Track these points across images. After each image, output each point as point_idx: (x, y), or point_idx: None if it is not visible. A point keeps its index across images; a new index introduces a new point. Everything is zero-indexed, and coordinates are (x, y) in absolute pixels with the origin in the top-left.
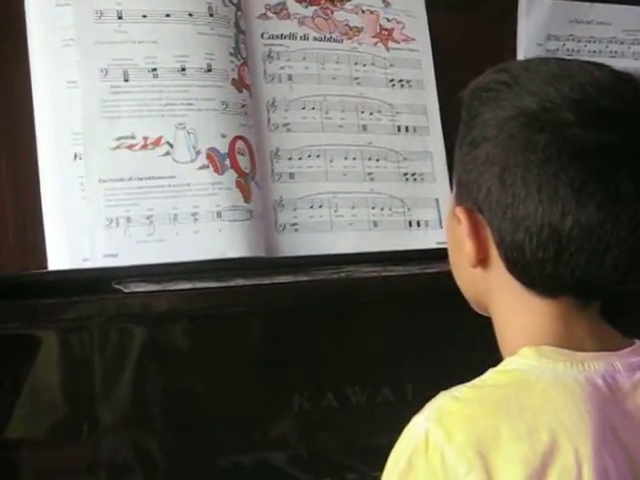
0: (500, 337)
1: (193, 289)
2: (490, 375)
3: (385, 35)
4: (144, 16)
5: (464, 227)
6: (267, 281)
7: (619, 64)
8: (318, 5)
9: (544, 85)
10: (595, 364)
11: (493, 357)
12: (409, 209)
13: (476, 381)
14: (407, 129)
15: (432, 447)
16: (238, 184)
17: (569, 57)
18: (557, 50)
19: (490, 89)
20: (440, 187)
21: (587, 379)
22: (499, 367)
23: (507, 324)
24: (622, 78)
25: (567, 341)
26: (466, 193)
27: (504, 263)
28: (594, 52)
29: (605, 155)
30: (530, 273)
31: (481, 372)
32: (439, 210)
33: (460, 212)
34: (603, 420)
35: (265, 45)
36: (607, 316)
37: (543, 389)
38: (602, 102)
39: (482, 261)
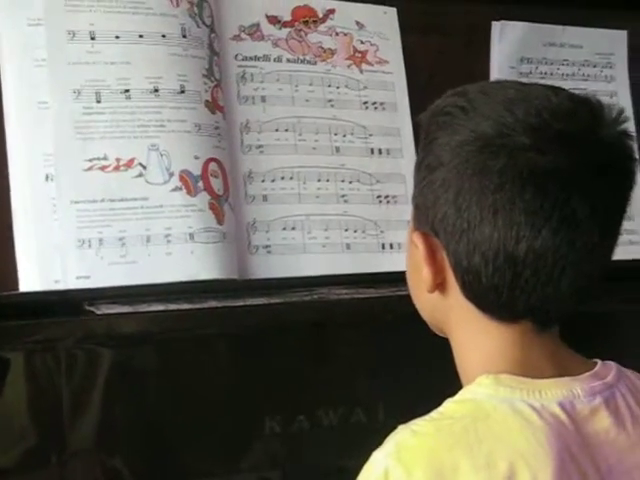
0: (458, 363)
1: (165, 311)
2: (447, 406)
3: (359, 57)
4: (117, 37)
5: (420, 251)
6: (240, 303)
7: (592, 87)
8: (292, 27)
9: (500, 109)
10: (553, 391)
11: None
12: (382, 231)
13: (434, 413)
14: (380, 151)
15: None
16: (211, 206)
17: (542, 80)
18: (530, 73)
19: (447, 113)
20: None
21: (544, 407)
22: (457, 397)
23: (465, 350)
24: (579, 102)
25: (525, 367)
26: (423, 218)
27: (460, 288)
28: (567, 75)
29: (561, 179)
30: (486, 298)
31: (453, 393)
32: None
33: (417, 237)
34: (561, 448)
35: (239, 67)
36: (567, 339)
37: (501, 419)
38: (558, 126)
39: (439, 286)
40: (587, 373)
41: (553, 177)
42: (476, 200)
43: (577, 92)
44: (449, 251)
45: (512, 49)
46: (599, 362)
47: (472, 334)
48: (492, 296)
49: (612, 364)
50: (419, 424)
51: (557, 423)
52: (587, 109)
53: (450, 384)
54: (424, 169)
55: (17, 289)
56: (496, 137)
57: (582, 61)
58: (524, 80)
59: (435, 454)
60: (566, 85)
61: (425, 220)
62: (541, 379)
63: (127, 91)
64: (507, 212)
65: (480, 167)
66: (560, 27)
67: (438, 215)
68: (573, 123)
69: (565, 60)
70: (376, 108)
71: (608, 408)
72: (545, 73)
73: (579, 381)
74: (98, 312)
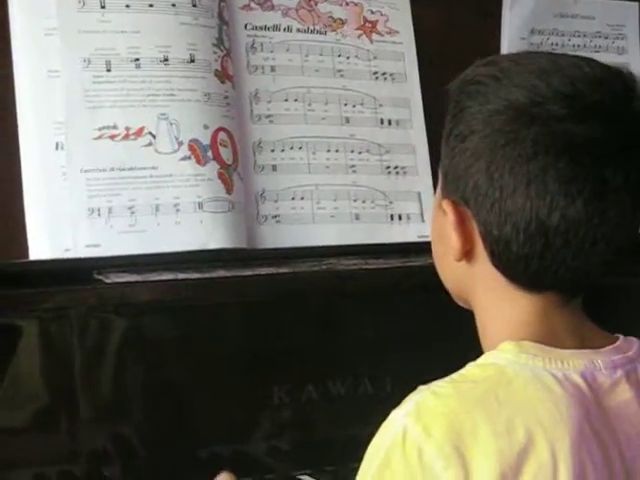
0: (481, 330)
1: (174, 280)
2: (469, 369)
3: (369, 27)
4: (127, 6)
5: (450, 220)
6: (248, 273)
7: (603, 59)
8: None
9: (533, 79)
10: (574, 362)
11: (474, 350)
12: (391, 202)
13: (455, 376)
14: (390, 122)
15: (410, 443)
16: (220, 175)
17: (553, 51)
18: (541, 44)
19: (478, 82)
20: (422, 180)
21: (565, 376)
22: (479, 361)
23: (489, 317)
24: (612, 73)
25: (547, 337)
26: (453, 186)
27: (489, 257)
28: (578, 46)
29: (595, 150)
30: (515, 267)
31: (462, 365)
32: (421, 203)
33: (446, 205)
34: (581, 418)
35: (248, 36)
36: (589, 312)
37: (521, 386)
38: (592, 97)
39: (467, 254)
40: (609, 347)
41: (588, 147)
42: (509, 169)
43: None
44: (479, 220)
45: (523, 20)
46: (621, 337)
47: (497, 302)
48: (521, 266)
49: (634, 339)
50: (440, 385)
51: (578, 393)
52: (620, 80)
53: (460, 355)
54: (454, 138)
55: (27, 257)
56: (529, 106)
57: (594, 32)
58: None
59: (455, 416)
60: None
61: (455, 189)
62: (563, 349)
63: (137, 60)
64: (540, 181)
65: (513, 136)
66: None
67: (469, 184)
68: (607, 94)
69: (576, 31)
70: (386, 79)
71: (629, 381)
72: (556, 44)
73: (600, 354)
74: (107, 281)
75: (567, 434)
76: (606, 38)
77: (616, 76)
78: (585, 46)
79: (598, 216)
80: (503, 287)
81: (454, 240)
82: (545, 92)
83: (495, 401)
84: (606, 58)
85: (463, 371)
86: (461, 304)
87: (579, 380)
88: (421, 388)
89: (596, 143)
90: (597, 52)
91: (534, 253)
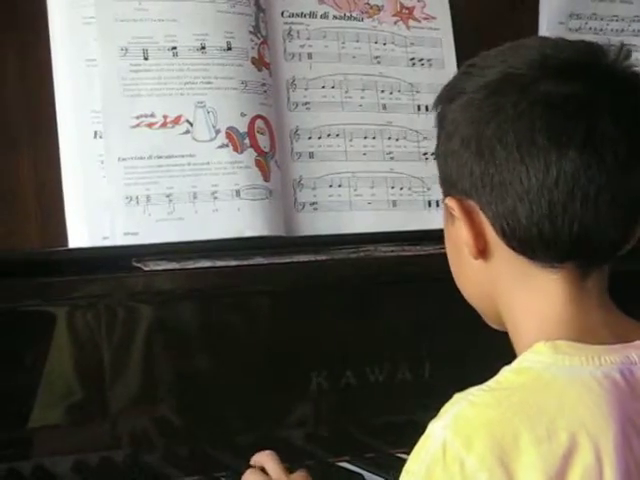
0: (513, 333)
1: (212, 267)
2: (505, 375)
3: (406, 14)
4: None
5: (458, 215)
6: (286, 260)
7: None
8: None
9: (504, 57)
10: (611, 357)
11: (509, 340)
12: (428, 189)
13: (491, 383)
14: (427, 108)
15: (450, 456)
16: (257, 163)
17: (593, 35)
18: (579, 28)
19: (453, 86)
20: None
21: (604, 374)
22: (514, 365)
23: (518, 316)
24: (575, 40)
25: (582, 332)
26: (452, 186)
27: (501, 238)
28: (617, 30)
29: (577, 101)
30: (530, 238)
31: (497, 354)
32: None
33: (451, 202)
34: (622, 415)
35: (285, 23)
36: (617, 300)
37: (560, 388)
38: (562, 55)
39: (482, 253)
40: None
41: (569, 101)
42: (497, 140)
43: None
44: (483, 205)
45: (561, 4)
46: None
47: (522, 295)
48: (535, 234)
49: None
50: (476, 394)
51: (618, 390)
52: (584, 43)
53: (496, 343)
54: (443, 142)
55: (66, 245)
56: (503, 80)
57: (632, 17)
58: (574, 35)
59: (495, 426)
60: (616, 41)
61: (453, 187)
62: (597, 345)
63: (174, 48)
64: (529, 141)
65: (493, 109)
66: None
67: (465, 173)
68: (575, 52)
69: (615, 16)
70: (423, 65)
71: None
72: (595, 29)
73: (634, 347)
74: (146, 268)
75: (610, 433)
76: None
77: (579, 41)
78: (624, 30)
79: (596, 164)
80: (524, 272)
81: (465, 235)
82: (517, 64)
83: (534, 407)
84: None
85: (499, 377)
86: (493, 324)
87: (617, 377)
88: (457, 397)
89: (577, 95)
90: (636, 36)
91: (542, 216)
